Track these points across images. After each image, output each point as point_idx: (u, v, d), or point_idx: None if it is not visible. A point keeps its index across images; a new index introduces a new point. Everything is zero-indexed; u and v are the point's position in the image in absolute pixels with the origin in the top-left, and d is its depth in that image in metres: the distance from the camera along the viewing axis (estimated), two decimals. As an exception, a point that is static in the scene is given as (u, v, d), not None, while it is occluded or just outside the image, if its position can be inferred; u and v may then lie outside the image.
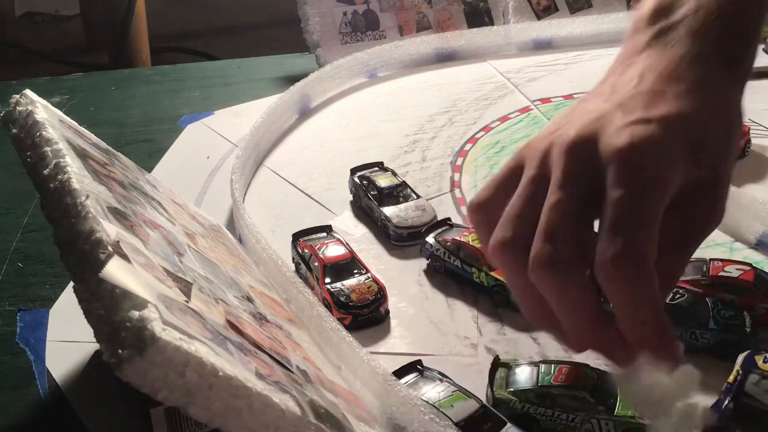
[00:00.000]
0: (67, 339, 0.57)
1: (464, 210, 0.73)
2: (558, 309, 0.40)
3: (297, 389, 0.37)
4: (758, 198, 0.66)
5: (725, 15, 0.46)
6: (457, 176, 0.79)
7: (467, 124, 0.90)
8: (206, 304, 0.38)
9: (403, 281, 0.62)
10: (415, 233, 0.66)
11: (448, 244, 0.63)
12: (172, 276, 0.38)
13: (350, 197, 0.75)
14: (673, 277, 0.42)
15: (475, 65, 1.07)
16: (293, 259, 0.64)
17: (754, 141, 0.80)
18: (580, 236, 0.40)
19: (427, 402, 0.47)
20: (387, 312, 0.59)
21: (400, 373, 0.50)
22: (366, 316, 0.57)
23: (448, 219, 0.67)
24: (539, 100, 0.96)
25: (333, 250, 0.62)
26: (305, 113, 0.95)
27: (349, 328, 0.55)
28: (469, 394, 0.48)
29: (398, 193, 0.71)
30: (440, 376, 0.50)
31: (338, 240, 0.64)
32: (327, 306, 0.57)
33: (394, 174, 0.74)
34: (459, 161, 0.82)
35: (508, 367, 0.50)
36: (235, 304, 0.43)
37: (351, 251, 0.62)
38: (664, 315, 0.39)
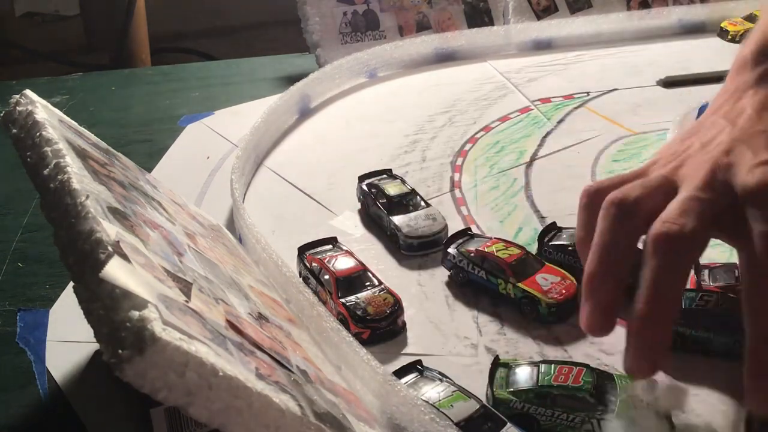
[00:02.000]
0: (67, 339, 0.57)
1: (464, 210, 0.73)
2: (649, 290, 0.44)
3: (297, 389, 0.37)
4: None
5: None
6: (457, 176, 0.79)
7: (467, 124, 0.90)
8: (206, 304, 0.38)
9: (403, 281, 0.62)
10: (425, 243, 0.65)
11: (472, 255, 0.61)
12: (172, 276, 0.38)
13: (357, 204, 0.74)
14: None
15: (475, 65, 1.07)
16: (300, 272, 0.62)
17: (754, 141, 0.80)
18: (704, 235, 0.45)
19: (427, 402, 0.47)
20: (404, 324, 0.58)
21: (400, 373, 0.50)
22: (384, 329, 0.56)
23: (468, 229, 0.65)
24: (539, 100, 0.96)
25: (343, 263, 0.60)
26: (305, 113, 0.95)
27: (367, 342, 0.55)
28: (469, 394, 0.48)
29: (408, 201, 0.69)
30: (440, 376, 0.50)
31: (347, 252, 0.62)
32: (343, 321, 0.56)
33: (403, 182, 0.72)
34: (459, 161, 0.82)
35: (508, 367, 0.50)
36: (235, 304, 0.43)
37: (361, 263, 0.61)
38: None
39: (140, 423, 0.46)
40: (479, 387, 0.50)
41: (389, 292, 0.58)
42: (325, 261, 0.61)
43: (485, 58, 1.09)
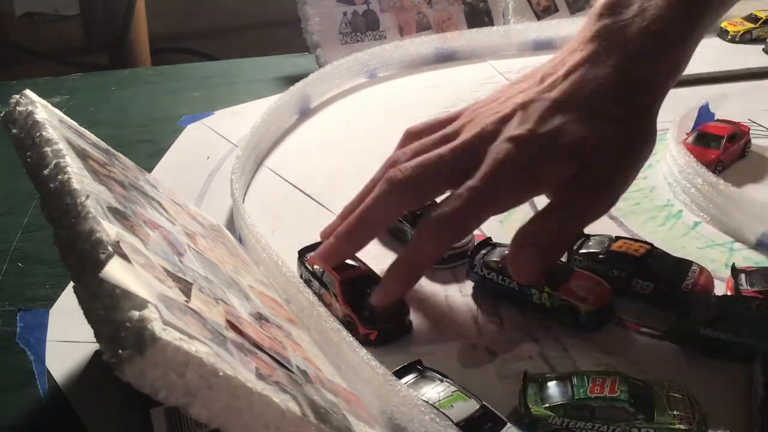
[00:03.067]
0: (67, 339, 0.57)
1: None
2: (365, 204, 0.58)
3: (297, 389, 0.37)
4: (758, 198, 0.66)
5: (656, 25, 0.56)
6: (457, 176, 0.79)
7: (467, 124, 0.90)
8: (206, 304, 0.38)
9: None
10: (455, 255, 0.64)
11: (500, 265, 0.59)
12: (172, 276, 0.38)
13: None
14: (563, 237, 0.56)
15: (475, 65, 1.07)
16: (302, 275, 0.62)
17: (754, 141, 0.80)
18: (430, 184, 0.57)
19: (427, 402, 0.47)
20: (410, 324, 0.57)
21: (400, 373, 0.50)
22: (392, 329, 0.56)
23: (489, 239, 0.64)
24: (539, 100, 0.95)
25: (346, 265, 0.60)
26: (305, 113, 0.95)
27: (375, 342, 0.55)
28: (469, 394, 0.48)
29: None
30: (440, 376, 0.50)
31: None
32: (350, 323, 0.56)
33: None
34: (459, 161, 0.82)
35: (539, 381, 0.49)
36: (235, 304, 0.43)
37: (364, 264, 0.60)
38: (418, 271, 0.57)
39: (140, 423, 0.46)
40: (479, 387, 0.50)
41: None
42: None
43: (485, 58, 1.09)
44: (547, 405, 0.47)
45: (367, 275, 0.59)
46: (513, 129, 0.55)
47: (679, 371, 0.53)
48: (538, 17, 1.15)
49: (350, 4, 1.08)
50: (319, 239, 0.64)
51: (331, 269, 0.59)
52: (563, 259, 0.62)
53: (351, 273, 0.59)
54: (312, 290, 0.58)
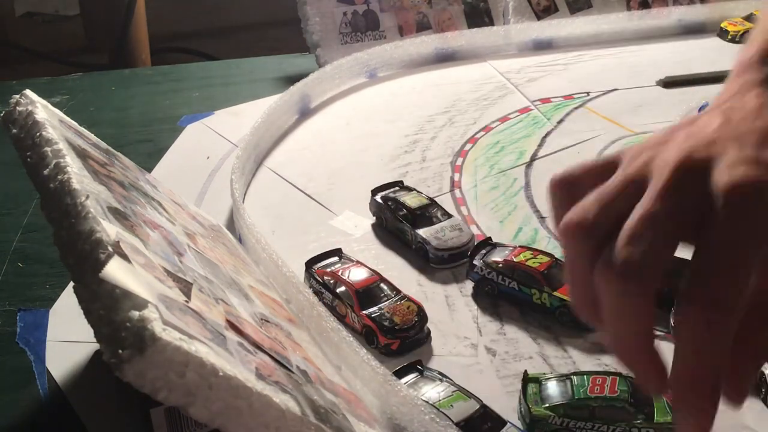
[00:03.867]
0: (67, 339, 0.57)
1: (464, 210, 0.73)
2: (610, 313, 0.38)
3: (297, 389, 0.37)
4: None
5: None
6: (457, 176, 0.79)
7: (467, 124, 0.90)
8: (206, 304, 0.38)
9: (403, 281, 0.62)
10: (455, 254, 0.64)
11: (500, 265, 0.59)
12: (172, 276, 0.38)
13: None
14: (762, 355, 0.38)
15: (475, 65, 1.07)
16: (311, 287, 0.60)
17: (754, 141, 0.80)
18: (665, 254, 0.39)
19: (427, 402, 0.47)
20: (429, 332, 0.57)
21: (400, 373, 0.50)
22: (413, 338, 0.55)
23: (489, 239, 0.64)
24: (539, 100, 0.96)
25: (358, 274, 0.59)
26: (305, 113, 0.95)
27: (397, 352, 0.55)
28: (469, 394, 0.48)
29: (430, 213, 0.67)
30: (440, 376, 0.50)
31: (357, 262, 0.61)
32: (369, 333, 0.55)
33: (419, 192, 0.71)
34: (459, 161, 0.82)
35: (539, 381, 0.49)
36: (235, 304, 0.43)
37: (375, 272, 0.60)
38: (718, 388, 0.36)
39: (140, 423, 0.46)
40: (479, 387, 0.50)
41: (410, 299, 0.57)
42: (339, 274, 0.59)
43: (485, 58, 1.09)
44: (547, 405, 0.47)
45: (381, 283, 0.59)
46: (746, 150, 0.40)
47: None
48: (538, 17, 1.15)
49: (350, 4, 1.08)
50: (324, 250, 0.63)
51: (345, 279, 0.58)
52: (563, 259, 0.62)
53: (366, 282, 0.58)
54: (324, 302, 0.57)
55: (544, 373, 0.50)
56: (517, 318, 0.58)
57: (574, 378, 0.48)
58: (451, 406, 0.47)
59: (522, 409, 0.48)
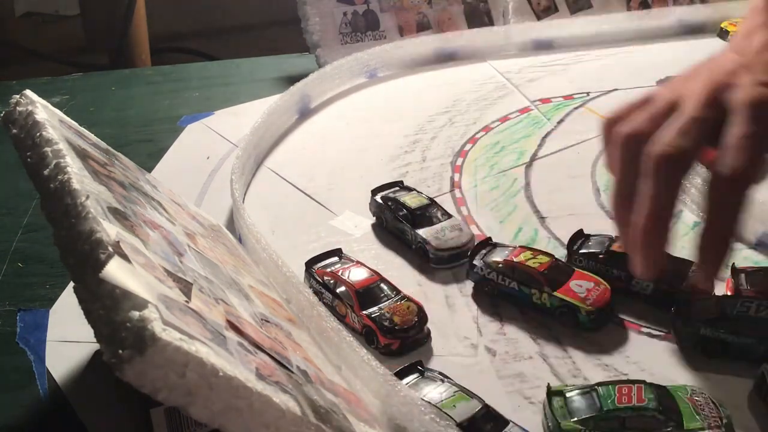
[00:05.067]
0: (67, 339, 0.57)
1: (464, 210, 0.73)
2: (647, 193, 0.50)
3: (297, 389, 0.37)
4: (758, 198, 0.66)
5: None
6: (457, 176, 0.79)
7: (467, 124, 0.90)
8: (206, 304, 0.38)
9: (403, 281, 0.62)
10: (455, 255, 0.64)
11: (500, 265, 0.59)
12: (172, 276, 0.38)
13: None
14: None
15: (475, 65, 1.07)
16: (311, 287, 0.60)
17: (754, 141, 0.80)
18: (698, 150, 0.51)
19: (430, 402, 0.47)
20: (429, 332, 0.57)
21: (401, 374, 0.50)
22: (414, 338, 0.55)
23: (489, 239, 0.64)
24: (539, 100, 0.96)
25: (358, 274, 0.59)
26: (305, 113, 0.95)
27: (397, 352, 0.55)
28: (471, 394, 0.48)
29: (430, 213, 0.68)
30: (441, 377, 0.50)
31: (357, 262, 0.61)
32: (369, 333, 0.55)
33: (419, 192, 0.71)
34: (459, 161, 0.82)
35: (563, 394, 0.48)
36: (235, 304, 0.43)
37: (375, 272, 0.60)
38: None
39: (140, 423, 0.46)
40: (479, 387, 0.50)
41: (410, 299, 0.57)
42: (339, 274, 0.59)
43: (485, 58, 1.09)
44: (576, 419, 0.46)
45: (381, 283, 0.59)
46: (757, 76, 0.52)
47: (679, 371, 0.53)
48: (538, 17, 1.15)
49: (350, 4, 1.08)
50: (324, 250, 0.63)
51: (345, 279, 0.58)
52: (563, 259, 0.62)
53: (366, 282, 0.58)
54: (324, 302, 0.57)
55: (566, 385, 0.49)
56: (517, 318, 0.58)
57: (600, 389, 0.47)
58: (454, 406, 0.47)
59: (550, 424, 0.47)
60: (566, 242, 0.64)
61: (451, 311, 0.60)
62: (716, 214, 0.49)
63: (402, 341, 0.55)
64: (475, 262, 0.61)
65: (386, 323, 0.55)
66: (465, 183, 0.78)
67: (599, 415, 0.46)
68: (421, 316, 0.56)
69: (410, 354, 0.55)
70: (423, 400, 0.47)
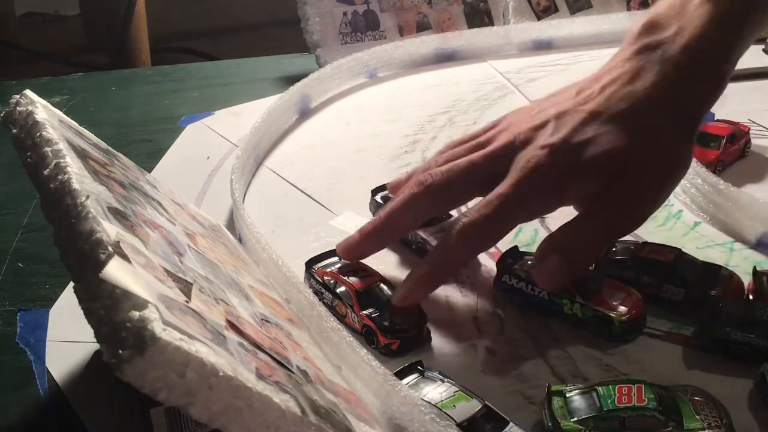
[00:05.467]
0: (67, 339, 0.57)
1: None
2: (392, 205, 0.59)
3: (297, 389, 0.37)
4: (758, 198, 0.66)
5: (697, 43, 0.57)
6: (457, 176, 0.79)
7: (467, 124, 0.90)
8: (206, 304, 0.38)
9: (402, 282, 0.62)
10: None
11: (528, 275, 0.58)
12: (172, 276, 0.38)
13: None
14: (590, 246, 0.55)
15: (475, 65, 1.07)
16: (311, 287, 0.60)
17: (754, 141, 0.80)
18: (460, 188, 0.59)
19: (429, 402, 0.47)
20: (429, 332, 0.56)
21: (401, 374, 0.50)
22: (413, 338, 0.55)
23: (516, 247, 0.62)
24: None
25: (358, 274, 0.59)
26: (305, 113, 0.95)
27: (397, 352, 0.54)
28: (472, 394, 0.48)
29: None
30: (441, 377, 0.50)
31: (357, 262, 0.61)
32: (369, 333, 0.55)
33: None
34: (459, 161, 0.82)
35: (563, 394, 0.48)
36: (235, 304, 0.43)
37: (375, 272, 0.60)
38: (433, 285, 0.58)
39: (140, 423, 0.46)
40: (479, 387, 0.50)
41: None
42: (339, 274, 0.59)
43: (485, 58, 1.09)
44: (576, 419, 0.46)
45: (381, 283, 0.58)
46: (545, 137, 0.56)
47: (679, 371, 0.53)
48: (538, 17, 1.15)
49: (350, 4, 1.08)
50: (324, 250, 0.63)
51: (345, 279, 0.58)
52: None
53: (366, 282, 0.58)
54: (324, 302, 0.57)
55: (566, 385, 0.49)
56: (517, 318, 0.58)
57: (600, 389, 0.47)
58: (454, 406, 0.47)
59: (550, 423, 0.47)
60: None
61: (451, 311, 0.60)
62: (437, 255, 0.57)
63: (402, 341, 0.55)
64: (502, 271, 0.60)
65: (386, 323, 0.55)
66: (465, 183, 0.78)
67: (599, 415, 0.46)
68: (421, 316, 0.56)
69: (410, 354, 0.55)
70: (423, 400, 0.47)
